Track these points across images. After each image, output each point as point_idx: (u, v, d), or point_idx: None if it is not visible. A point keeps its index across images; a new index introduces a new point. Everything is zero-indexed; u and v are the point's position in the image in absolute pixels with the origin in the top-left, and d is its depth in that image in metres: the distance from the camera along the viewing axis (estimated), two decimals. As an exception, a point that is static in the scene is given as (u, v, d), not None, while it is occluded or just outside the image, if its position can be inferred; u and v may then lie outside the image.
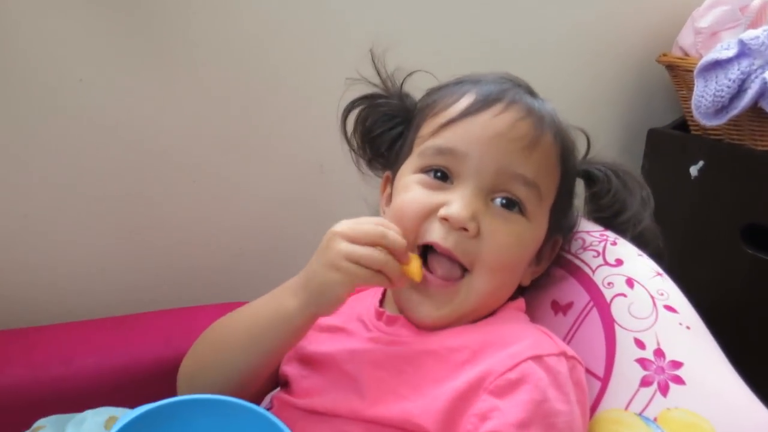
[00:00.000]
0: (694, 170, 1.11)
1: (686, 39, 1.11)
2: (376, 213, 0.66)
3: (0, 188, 0.75)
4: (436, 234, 0.53)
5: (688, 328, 0.56)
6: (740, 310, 1.08)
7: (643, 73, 1.21)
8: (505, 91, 0.56)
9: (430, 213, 0.53)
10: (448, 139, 0.55)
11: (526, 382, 0.48)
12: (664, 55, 1.14)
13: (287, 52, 0.88)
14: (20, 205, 0.76)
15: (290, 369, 0.57)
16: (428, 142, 0.56)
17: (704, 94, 1.00)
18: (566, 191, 0.59)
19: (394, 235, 0.50)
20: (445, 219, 0.52)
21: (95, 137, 0.78)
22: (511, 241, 0.53)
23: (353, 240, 0.49)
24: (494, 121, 0.54)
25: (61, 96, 0.75)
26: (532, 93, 0.59)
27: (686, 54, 1.12)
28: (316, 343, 0.57)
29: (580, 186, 0.66)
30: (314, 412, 0.53)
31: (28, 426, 0.61)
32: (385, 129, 0.65)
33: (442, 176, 0.55)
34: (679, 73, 1.12)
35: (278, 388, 0.60)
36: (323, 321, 0.57)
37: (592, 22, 1.14)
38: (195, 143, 0.85)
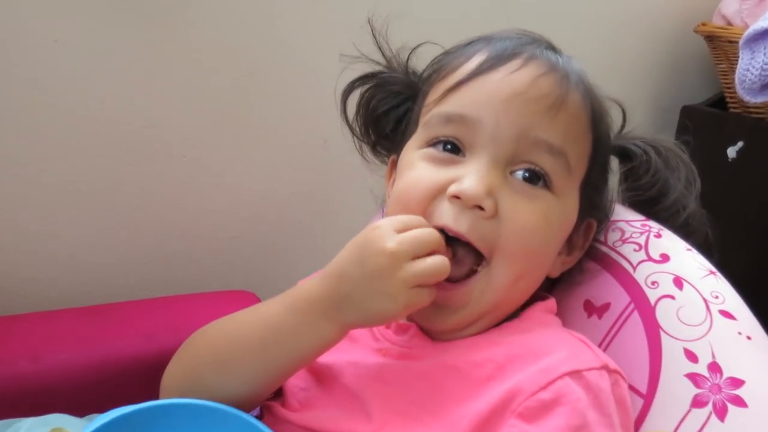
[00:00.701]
0: (732, 151, 1.02)
1: (730, 6, 1.01)
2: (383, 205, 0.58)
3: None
4: (446, 216, 0.44)
5: (748, 338, 0.47)
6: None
7: (678, 44, 1.11)
8: (524, 45, 0.48)
9: (439, 192, 0.45)
10: (456, 104, 0.47)
11: (562, 403, 0.40)
12: (703, 24, 1.04)
13: (288, 18, 0.80)
14: None
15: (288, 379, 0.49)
16: (434, 109, 0.48)
17: (750, 67, 0.91)
18: (600, 164, 0.51)
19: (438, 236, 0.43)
20: (456, 197, 0.44)
21: (69, 108, 0.69)
22: (536, 221, 0.45)
23: (417, 255, 0.41)
24: (510, 78, 0.45)
25: (30, 59, 0.67)
26: (554, 49, 0.50)
27: (729, 23, 1.02)
28: None
29: (614, 166, 0.58)
30: (309, 429, 0.45)
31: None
32: (390, 107, 0.57)
33: (453, 149, 0.47)
34: (719, 45, 1.02)
35: (273, 399, 0.52)
36: None
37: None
38: (185, 117, 0.77)
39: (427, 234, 0.42)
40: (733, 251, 1.00)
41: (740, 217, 1.03)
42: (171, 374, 0.49)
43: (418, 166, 0.47)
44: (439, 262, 0.41)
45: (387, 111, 0.57)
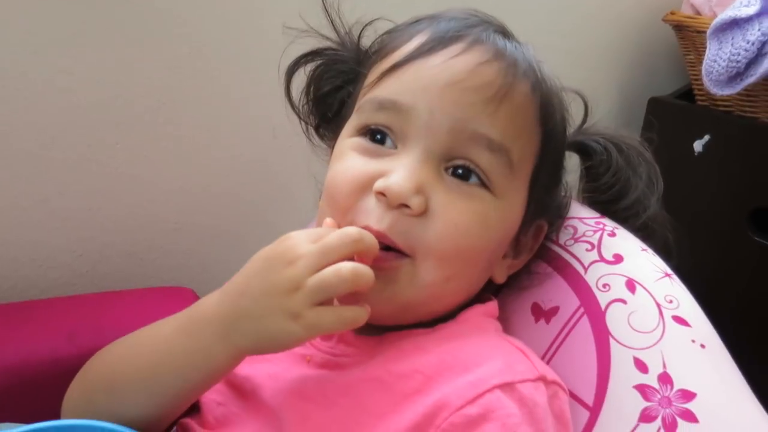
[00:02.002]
0: (698, 145, 1.00)
1: (698, -5, 0.97)
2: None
3: None
4: (370, 214, 0.40)
5: (702, 346, 0.44)
6: (744, 304, 0.97)
7: (646, 33, 1.08)
8: (469, 27, 0.43)
9: (366, 186, 0.41)
10: (390, 89, 0.42)
11: (490, 419, 0.36)
12: (672, 13, 1.01)
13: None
14: None
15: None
16: (368, 94, 0.44)
17: (717, 58, 0.88)
18: (551, 161, 0.47)
19: (369, 235, 0.38)
20: (381, 194, 0.40)
21: None
22: (469, 220, 0.41)
23: (325, 267, 0.36)
24: (450, 64, 0.41)
25: None
26: (505, 33, 0.46)
27: (698, 12, 0.99)
28: None
29: (574, 162, 0.55)
30: (221, 450, 0.41)
31: None
32: (335, 87, 0.53)
33: (384, 139, 0.42)
34: (687, 35, 0.99)
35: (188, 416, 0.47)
36: None
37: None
38: (116, 100, 0.71)
39: (335, 242, 0.37)
40: (694, 248, 0.98)
41: (706, 213, 1.00)
42: (68, 397, 0.45)
43: (346, 157, 0.43)
44: (334, 270, 0.36)
45: (332, 91, 0.53)
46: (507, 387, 0.38)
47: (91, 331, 0.62)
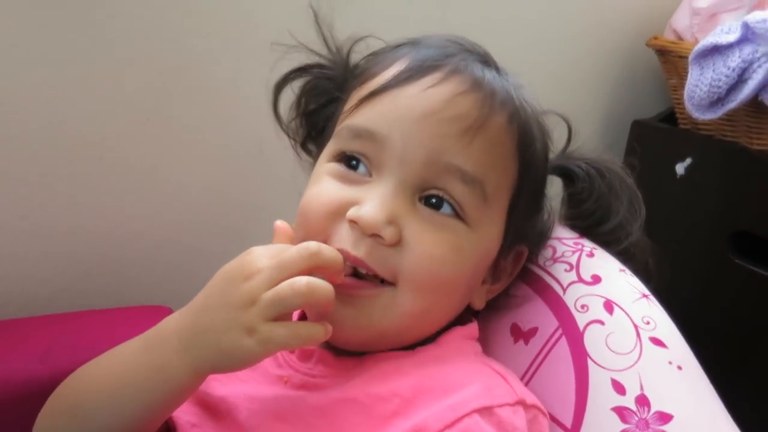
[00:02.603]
0: (681, 168, 1.01)
1: (681, 21, 0.99)
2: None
3: None
4: (345, 240, 0.40)
5: (679, 368, 0.44)
6: (725, 325, 0.97)
7: (631, 57, 1.10)
8: (448, 56, 0.43)
9: (339, 212, 0.41)
10: (366, 117, 0.42)
11: None
12: (655, 38, 1.02)
13: (219, 8, 0.74)
14: None
15: (179, 413, 0.44)
16: (346, 120, 0.44)
17: (699, 83, 0.89)
18: (531, 190, 0.47)
19: (328, 249, 0.38)
20: (353, 222, 0.40)
21: None
22: (443, 251, 0.41)
23: (277, 281, 0.36)
24: (426, 94, 0.41)
25: None
26: (487, 62, 0.46)
27: (680, 38, 1.01)
28: (211, 381, 0.44)
29: (557, 186, 0.55)
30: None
31: None
32: (320, 104, 0.53)
33: (359, 166, 0.43)
34: (670, 59, 1.01)
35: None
36: None
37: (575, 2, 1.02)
38: (100, 115, 0.70)
39: (292, 257, 0.37)
40: (676, 271, 0.99)
41: (687, 234, 1.01)
42: (36, 425, 0.44)
43: (321, 181, 0.43)
44: (297, 286, 0.36)
45: (319, 108, 0.53)
46: (485, 411, 0.38)
47: (67, 350, 0.61)
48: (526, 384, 0.46)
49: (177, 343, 0.38)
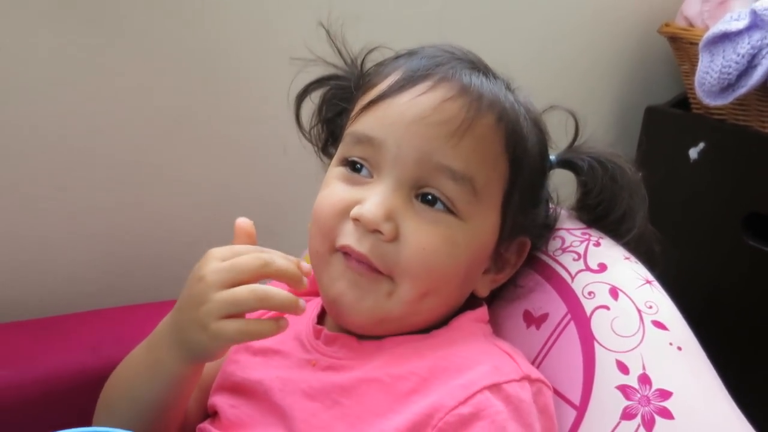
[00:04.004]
0: (693, 152, 1.03)
1: (692, 8, 1.01)
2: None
3: None
4: (350, 236, 0.45)
5: (679, 348, 0.48)
6: (738, 307, 1.00)
7: (642, 43, 1.11)
8: (438, 66, 0.47)
9: (345, 212, 0.46)
10: (366, 124, 0.47)
11: (481, 417, 0.41)
12: (667, 25, 1.04)
13: (242, 17, 0.78)
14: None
15: (218, 399, 0.50)
16: (349, 128, 0.48)
17: (709, 69, 0.91)
18: (525, 185, 0.50)
19: (281, 261, 0.42)
20: (356, 219, 0.44)
21: (8, 119, 0.68)
22: (437, 243, 0.45)
23: (231, 284, 0.41)
24: (416, 101, 0.45)
25: None
26: (478, 68, 0.49)
27: (691, 24, 1.02)
28: (247, 368, 0.49)
29: (569, 176, 0.58)
30: (237, 447, 0.45)
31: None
32: (337, 112, 0.57)
33: (362, 168, 0.47)
34: (682, 46, 1.02)
35: (207, 420, 0.51)
36: (256, 343, 0.49)
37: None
38: (135, 122, 0.75)
39: (245, 262, 0.41)
40: (690, 252, 1.01)
41: (701, 217, 1.03)
42: (99, 405, 0.51)
43: (330, 185, 0.48)
44: (237, 294, 0.40)
45: (336, 115, 0.57)
46: (494, 388, 0.42)
47: (113, 343, 0.66)
48: (538, 366, 0.50)
49: (167, 339, 0.44)
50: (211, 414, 0.51)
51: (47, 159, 0.72)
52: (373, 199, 0.44)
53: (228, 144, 0.83)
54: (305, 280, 0.43)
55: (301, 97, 0.58)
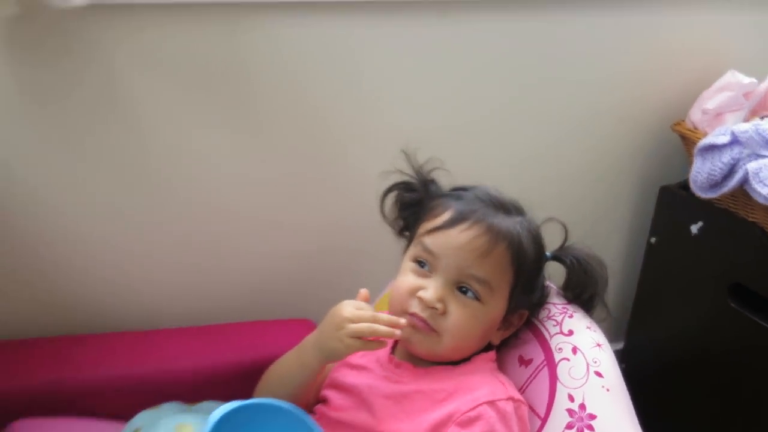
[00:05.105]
0: (695, 228, 1.27)
1: (695, 116, 1.25)
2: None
3: (113, 225, 1.00)
4: (416, 307, 0.77)
5: (608, 390, 0.77)
6: (719, 359, 1.25)
7: (658, 134, 1.35)
8: (474, 212, 0.77)
9: (414, 292, 0.77)
10: (431, 243, 0.78)
11: (480, 419, 0.72)
12: (677, 123, 1.29)
13: (348, 125, 1.10)
14: (127, 239, 1.03)
15: (328, 392, 0.83)
16: (422, 239, 0.79)
17: (701, 170, 1.16)
18: (524, 281, 0.80)
19: (384, 316, 0.74)
20: (421, 298, 0.76)
21: (167, 164, 1.00)
22: (467, 318, 0.76)
23: (357, 321, 0.74)
24: (459, 236, 0.77)
25: (162, 155, 1.00)
26: (502, 208, 0.79)
27: (696, 127, 1.26)
28: (347, 377, 0.83)
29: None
30: (341, 422, 0.79)
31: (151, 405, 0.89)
32: (409, 212, 0.89)
33: (426, 266, 0.78)
34: (689, 142, 1.27)
35: (320, 403, 0.85)
36: (353, 360, 0.83)
37: (615, 88, 1.29)
38: (265, 190, 1.08)
39: (364, 313, 0.74)
40: (685, 308, 1.27)
41: (696, 282, 1.28)
42: (257, 389, 0.86)
43: (407, 273, 0.80)
44: (362, 327, 0.72)
45: (409, 214, 0.88)
46: (490, 403, 0.73)
47: (254, 348, 0.99)
48: (522, 392, 0.81)
49: (312, 347, 0.78)
50: (322, 401, 0.85)
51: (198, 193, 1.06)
52: (431, 288, 0.76)
53: (335, 203, 1.14)
54: (398, 332, 0.74)
55: (385, 194, 0.88)
